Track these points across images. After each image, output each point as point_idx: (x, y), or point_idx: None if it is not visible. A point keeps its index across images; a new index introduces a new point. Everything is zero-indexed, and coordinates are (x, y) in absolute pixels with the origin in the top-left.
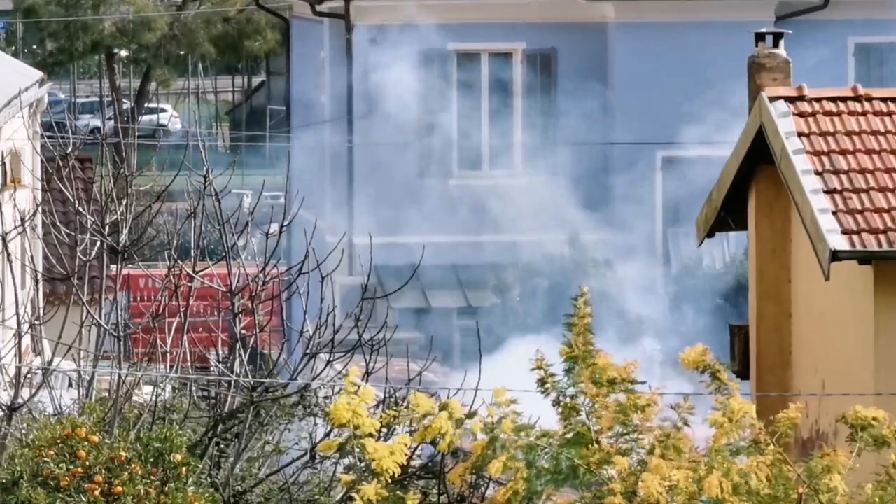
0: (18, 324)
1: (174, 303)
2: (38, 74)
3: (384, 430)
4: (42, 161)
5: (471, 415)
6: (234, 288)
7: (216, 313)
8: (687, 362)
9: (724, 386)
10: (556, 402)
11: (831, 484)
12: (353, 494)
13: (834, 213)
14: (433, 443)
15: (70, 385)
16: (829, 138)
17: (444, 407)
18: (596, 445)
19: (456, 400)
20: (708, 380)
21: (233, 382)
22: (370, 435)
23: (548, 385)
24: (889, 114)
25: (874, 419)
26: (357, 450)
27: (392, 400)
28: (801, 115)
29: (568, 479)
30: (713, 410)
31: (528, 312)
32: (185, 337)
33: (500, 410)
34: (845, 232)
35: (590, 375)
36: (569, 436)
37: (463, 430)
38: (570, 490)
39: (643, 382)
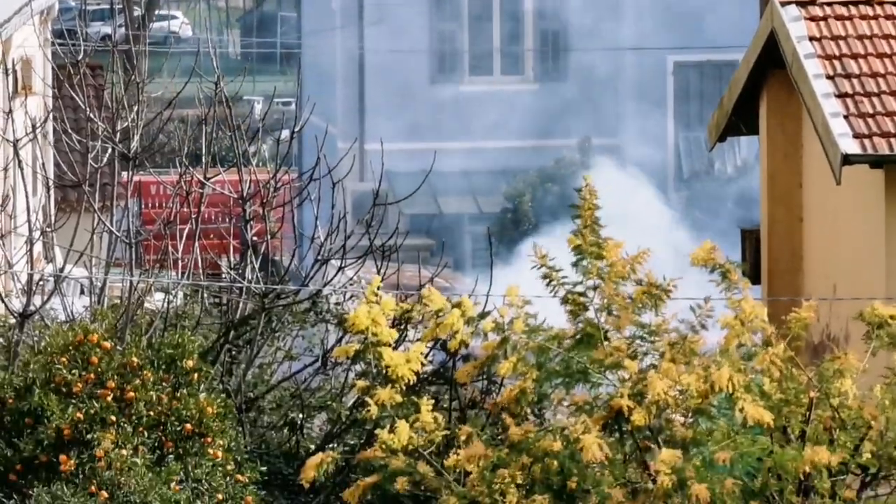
0: (30, 231)
1: (185, 209)
2: None
3: (396, 327)
4: (53, 68)
5: (483, 315)
6: (245, 194)
7: (227, 220)
8: (696, 260)
9: (735, 286)
10: (565, 300)
11: (842, 388)
12: (367, 399)
13: (845, 117)
14: (444, 346)
15: (82, 292)
16: (841, 42)
17: (456, 305)
18: (606, 343)
19: (468, 299)
20: (718, 279)
21: (244, 289)
22: (387, 344)
23: (553, 281)
24: None
25: (891, 317)
26: (373, 357)
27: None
28: (812, 19)
29: (578, 381)
30: (724, 312)
31: (539, 218)
32: (197, 243)
33: (513, 311)
34: (857, 136)
35: (597, 272)
36: (578, 336)
37: (474, 328)
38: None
39: (666, 293)
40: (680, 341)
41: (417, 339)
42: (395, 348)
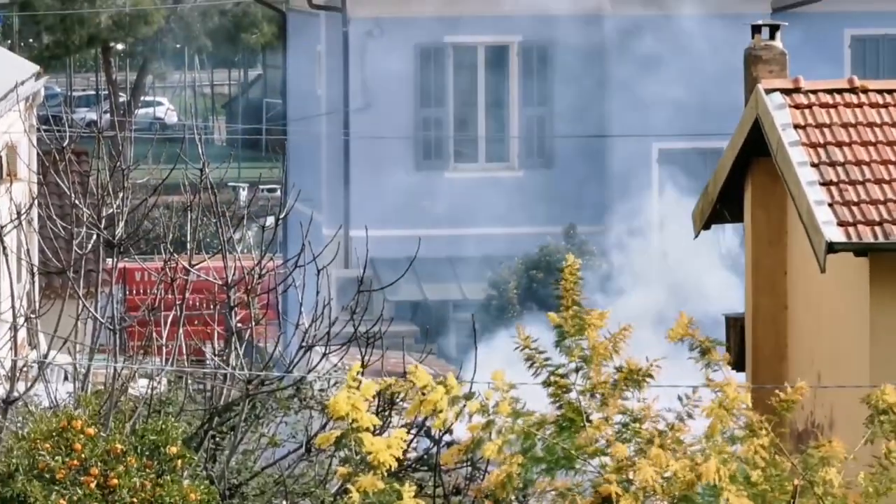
0: (14, 317)
1: (170, 296)
2: (34, 68)
3: (380, 412)
4: (38, 155)
5: (468, 396)
6: (229, 281)
7: (212, 306)
8: (673, 335)
9: (716, 364)
10: (547, 383)
11: (826, 476)
12: (349, 486)
13: (830, 205)
14: (428, 433)
15: (66, 378)
16: (826, 130)
17: (441, 382)
18: (588, 424)
19: (454, 378)
20: (697, 356)
21: (228, 375)
22: (367, 429)
23: (536, 363)
24: (885, 105)
25: None
26: (354, 443)
27: (388, 393)
28: (797, 107)
29: (563, 466)
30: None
31: (524, 305)
32: (181, 330)
33: (498, 395)
34: (841, 224)
35: (580, 354)
36: (561, 422)
37: (459, 410)
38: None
39: (647, 377)
40: (667, 429)
41: (401, 426)
42: (380, 434)
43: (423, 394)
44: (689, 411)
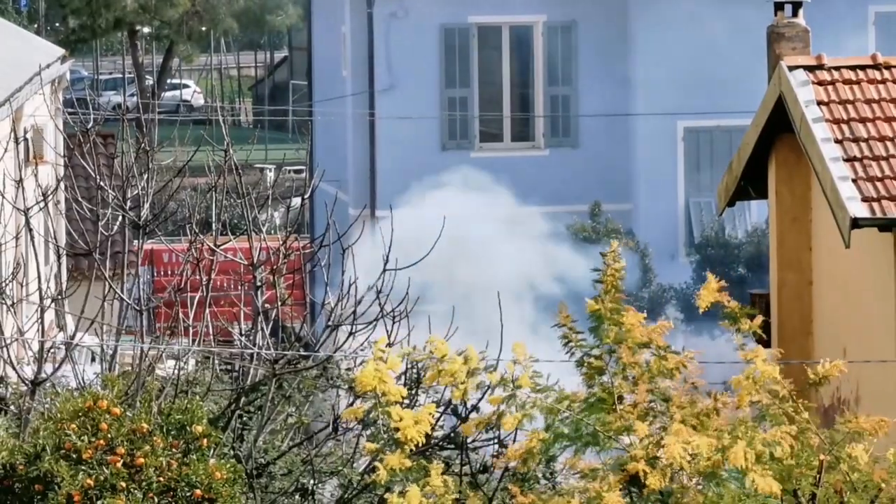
0: (41, 299)
1: (196, 277)
2: (60, 51)
3: (407, 389)
4: (64, 138)
5: (489, 368)
6: (255, 261)
7: (238, 287)
8: (703, 300)
9: (746, 334)
10: (580, 363)
11: (853, 452)
12: (377, 464)
13: (854, 180)
14: (455, 411)
15: (93, 360)
16: (849, 106)
17: (461, 353)
18: (619, 405)
19: (474, 349)
20: (727, 322)
21: (255, 355)
22: (396, 403)
23: (571, 343)
24: None
25: None
26: (381, 418)
27: (414, 371)
28: (820, 83)
29: (588, 445)
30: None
31: (550, 284)
32: (208, 310)
33: (520, 369)
34: (865, 199)
35: (615, 337)
36: (591, 400)
37: (478, 380)
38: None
39: (673, 350)
40: (689, 404)
41: (430, 402)
42: (409, 408)
43: (442, 363)
44: (715, 394)
